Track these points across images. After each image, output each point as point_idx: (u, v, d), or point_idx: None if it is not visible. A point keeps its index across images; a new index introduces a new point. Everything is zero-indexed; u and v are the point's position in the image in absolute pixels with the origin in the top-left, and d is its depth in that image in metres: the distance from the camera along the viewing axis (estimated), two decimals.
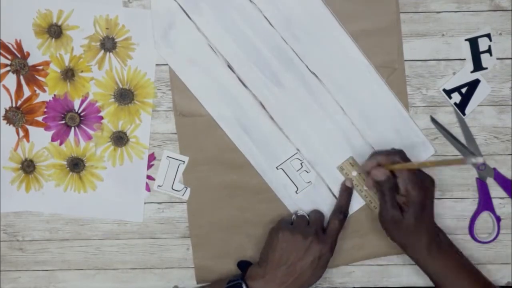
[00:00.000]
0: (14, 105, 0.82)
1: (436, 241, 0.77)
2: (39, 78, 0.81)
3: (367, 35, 0.80)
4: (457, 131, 0.83)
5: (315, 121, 0.82)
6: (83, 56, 0.81)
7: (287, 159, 0.82)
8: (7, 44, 0.80)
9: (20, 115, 0.82)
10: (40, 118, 0.82)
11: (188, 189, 0.83)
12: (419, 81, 0.82)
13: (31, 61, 0.81)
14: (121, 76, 0.81)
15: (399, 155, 0.75)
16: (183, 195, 0.83)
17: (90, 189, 0.83)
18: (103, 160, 0.83)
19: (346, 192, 0.82)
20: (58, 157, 0.83)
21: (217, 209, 0.83)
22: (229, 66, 0.81)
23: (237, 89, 0.81)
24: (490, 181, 0.83)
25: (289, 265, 0.77)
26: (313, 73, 0.81)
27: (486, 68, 0.82)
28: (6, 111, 0.82)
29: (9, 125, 0.82)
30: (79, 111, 0.82)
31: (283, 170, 0.83)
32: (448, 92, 0.82)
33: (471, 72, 0.82)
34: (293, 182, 0.83)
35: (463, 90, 0.82)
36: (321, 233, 0.78)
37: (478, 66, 0.82)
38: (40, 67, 0.81)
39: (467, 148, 0.82)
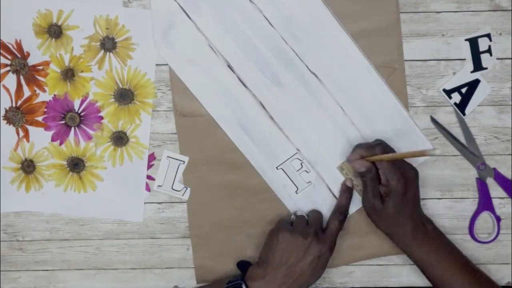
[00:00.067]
0: (14, 105, 0.82)
1: (421, 229, 0.78)
2: (39, 78, 0.81)
3: (367, 35, 0.80)
4: (457, 131, 0.83)
5: (315, 121, 0.82)
6: (83, 56, 0.81)
7: (287, 159, 0.82)
8: (7, 44, 0.80)
9: (20, 115, 0.82)
10: (40, 118, 0.82)
11: (188, 189, 0.83)
12: (419, 81, 0.82)
13: (31, 61, 0.81)
14: (121, 76, 0.81)
15: (379, 147, 0.77)
16: (183, 195, 0.83)
17: (90, 189, 0.83)
18: (103, 160, 0.83)
19: (347, 192, 0.82)
20: (58, 157, 0.83)
21: (217, 209, 0.83)
22: (229, 66, 0.81)
23: (237, 89, 0.81)
24: (490, 181, 0.83)
25: (289, 265, 0.77)
26: (313, 73, 0.81)
27: (486, 68, 0.82)
28: (6, 111, 0.82)
29: (9, 125, 0.82)
30: (79, 111, 0.82)
31: (283, 170, 0.83)
32: (448, 92, 0.82)
33: (471, 72, 0.82)
34: (293, 182, 0.83)
35: (463, 90, 0.82)
36: (320, 233, 0.78)
37: (478, 66, 0.82)
38: (40, 67, 0.81)
39: (467, 148, 0.82)
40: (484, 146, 0.83)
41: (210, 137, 0.82)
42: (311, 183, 0.83)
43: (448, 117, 0.82)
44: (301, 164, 0.82)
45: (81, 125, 0.82)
